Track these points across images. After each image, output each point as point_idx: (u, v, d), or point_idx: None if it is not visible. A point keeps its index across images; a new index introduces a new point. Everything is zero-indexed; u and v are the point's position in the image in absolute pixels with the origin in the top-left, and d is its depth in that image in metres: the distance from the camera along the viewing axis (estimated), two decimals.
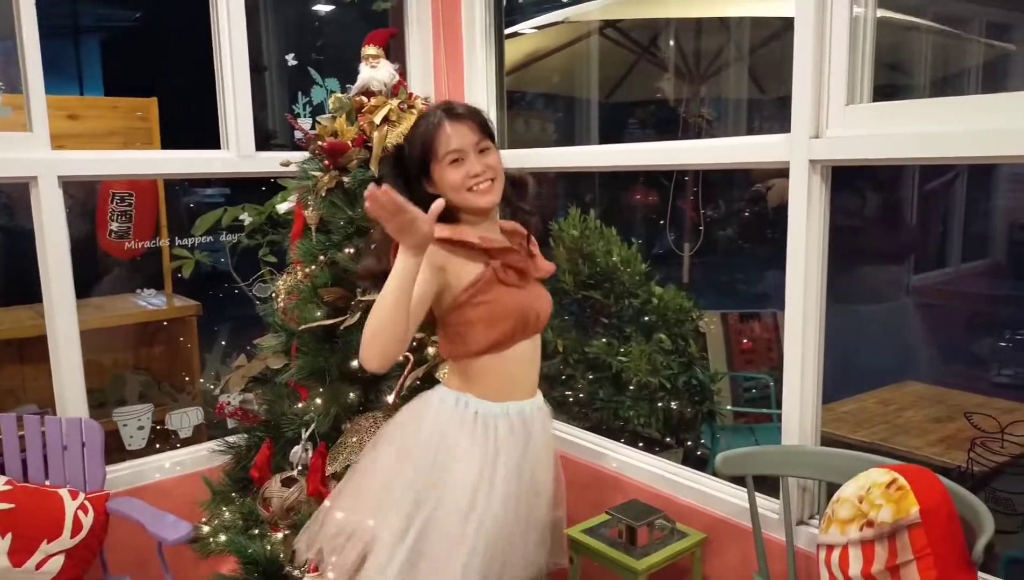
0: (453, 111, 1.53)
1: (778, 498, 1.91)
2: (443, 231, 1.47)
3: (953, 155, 1.57)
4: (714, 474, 2.11)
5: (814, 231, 1.78)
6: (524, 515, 1.59)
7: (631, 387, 2.99)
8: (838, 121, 1.72)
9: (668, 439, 3.05)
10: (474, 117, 1.54)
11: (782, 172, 1.83)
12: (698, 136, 3.71)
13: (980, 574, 1.44)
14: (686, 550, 2.02)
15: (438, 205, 1.35)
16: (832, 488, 1.67)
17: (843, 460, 1.72)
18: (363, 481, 1.61)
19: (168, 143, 3.05)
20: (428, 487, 1.51)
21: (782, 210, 1.85)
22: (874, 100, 1.72)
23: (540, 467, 1.64)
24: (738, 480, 1.99)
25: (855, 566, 1.44)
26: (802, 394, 1.84)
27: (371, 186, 1.24)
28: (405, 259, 1.33)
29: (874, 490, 1.47)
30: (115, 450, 2.54)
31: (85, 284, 2.24)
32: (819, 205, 1.78)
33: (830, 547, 1.52)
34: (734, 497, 2.06)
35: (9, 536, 1.87)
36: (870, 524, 1.43)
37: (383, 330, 1.35)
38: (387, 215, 1.25)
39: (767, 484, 1.93)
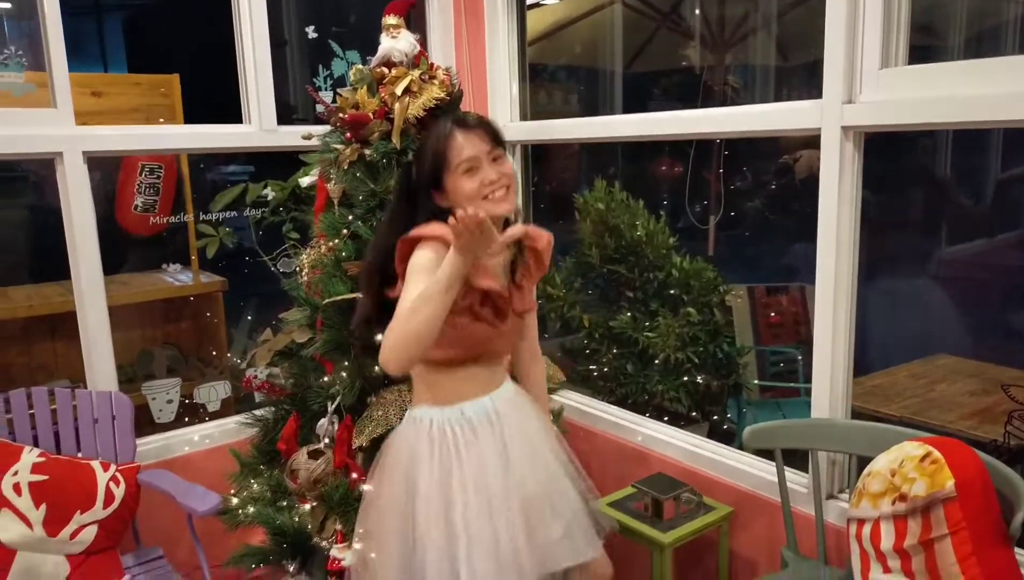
0: (463, 121, 1.50)
1: (807, 472, 1.89)
2: (443, 230, 1.38)
3: (994, 119, 1.51)
4: (741, 448, 2.09)
5: (846, 201, 1.73)
6: (525, 507, 1.51)
7: (656, 362, 2.96)
8: (872, 85, 1.67)
9: (694, 413, 3.03)
10: (485, 126, 1.51)
11: (810, 142, 1.78)
12: (724, 103, 3.63)
13: (1017, 548, 1.41)
14: (713, 524, 2.01)
15: (517, 231, 1.37)
16: (863, 462, 1.64)
17: (875, 433, 1.69)
18: (365, 516, 1.61)
19: (191, 119, 3.06)
20: (408, 502, 1.50)
21: (810, 182, 1.80)
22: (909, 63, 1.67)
23: (529, 455, 1.56)
24: (766, 454, 1.97)
25: (887, 540, 1.42)
26: (832, 367, 1.81)
27: (468, 213, 1.22)
28: (456, 266, 1.28)
29: (907, 463, 1.44)
30: (145, 423, 2.58)
31: (111, 261, 2.25)
32: (851, 173, 1.73)
33: (861, 521, 1.49)
34: (762, 471, 2.03)
35: (44, 507, 1.91)
36: (903, 498, 1.40)
37: (419, 339, 1.29)
38: (473, 239, 1.24)
39: (795, 458, 1.91)
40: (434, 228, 1.43)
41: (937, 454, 1.41)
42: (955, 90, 1.54)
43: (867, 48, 1.66)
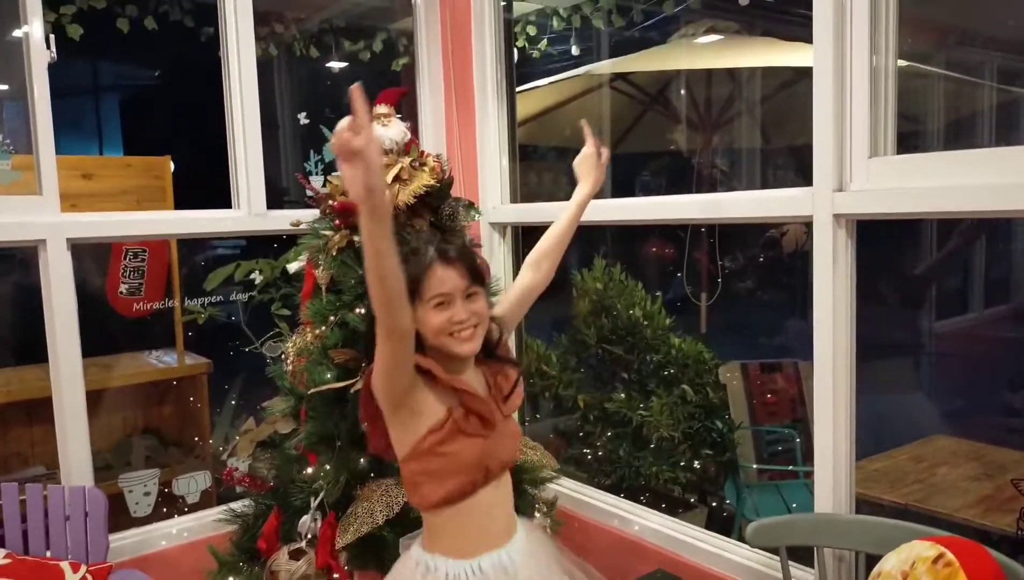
0: (446, 253, 1.45)
1: (812, 567, 1.81)
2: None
3: (982, 209, 1.52)
4: (741, 539, 2.01)
5: (841, 286, 1.72)
6: None
7: (652, 444, 2.90)
8: (862, 174, 1.67)
9: (691, 499, 2.95)
10: (465, 260, 1.46)
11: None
12: (712, 187, 3.68)
13: None
14: None
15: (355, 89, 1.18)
16: (871, 559, 1.57)
17: (883, 530, 1.62)
18: None
19: (181, 201, 3.06)
20: None
21: (797, 255, 1.79)
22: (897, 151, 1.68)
23: None
24: (770, 548, 1.89)
25: None
26: (835, 456, 1.76)
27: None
28: (365, 209, 1.16)
29: (919, 565, 1.37)
30: (119, 512, 2.47)
31: (93, 342, 2.20)
32: (845, 259, 1.72)
33: None
34: (765, 566, 1.95)
35: None
36: None
37: (389, 296, 1.24)
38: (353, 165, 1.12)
39: (800, 551, 1.83)
40: None
41: (950, 556, 1.34)
42: (944, 180, 1.54)
43: (856, 137, 1.67)
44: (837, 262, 1.71)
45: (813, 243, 1.75)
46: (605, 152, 1.82)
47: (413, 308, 1.39)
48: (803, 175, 1.76)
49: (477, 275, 1.47)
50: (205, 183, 2.86)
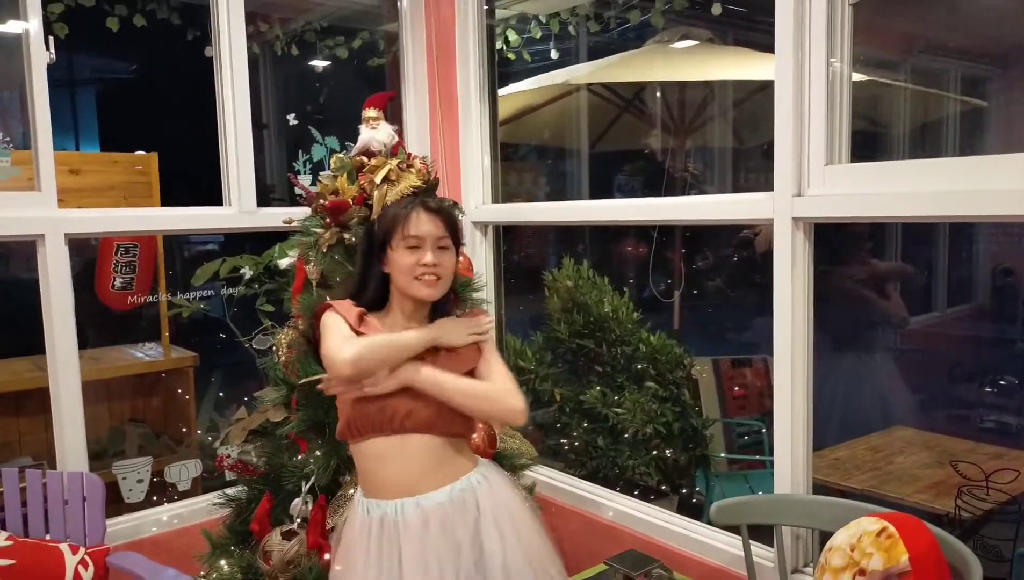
0: (428, 204, 1.62)
1: (772, 546, 1.94)
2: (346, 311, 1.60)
3: (931, 214, 1.65)
4: (709, 523, 2.14)
5: (799, 284, 1.85)
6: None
7: (626, 435, 3.02)
8: (819, 180, 1.81)
9: (663, 487, 3.07)
10: (445, 214, 1.62)
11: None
12: (684, 189, 3.81)
13: None
14: None
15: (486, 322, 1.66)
16: (825, 536, 1.71)
17: (835, 508, 1.76)
18: None
19: (166, 196, 3.12)
20: None
21: (769, 255, 1.91)
22: (852, 152, 1.81)
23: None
24: (733, 528, 2.02)
25: None
26: (792, 443, 1.89)
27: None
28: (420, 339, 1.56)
29: (865, 538, 1.50)
30: (113, 501, 2.54)
31: (81, 336, 2.26)
32: (803, 259, 1.85)
33: None
34: (729, 546, 2.08)
35: None
36: (862, 572, 1.47)
37: (375, 364, 1.52)
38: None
39: (762, 532, 1.96)
40: (339, 305, 1.62)
41: (892, 529, 1.48)
42: (897, 187, 1.68)
43: (813, 146, 1.80)
44: (796, 263, 1.84)
45: (774, 245, 1.88)
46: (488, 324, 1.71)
47: (389, 251, 1.60)
48: (770, 176, 1.88)
49: (454, 230, 1.63)
50: (188, 178, 2.92)
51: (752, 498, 2.03)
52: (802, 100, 1.79)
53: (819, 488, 1.95)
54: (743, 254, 4.05)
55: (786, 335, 1.86)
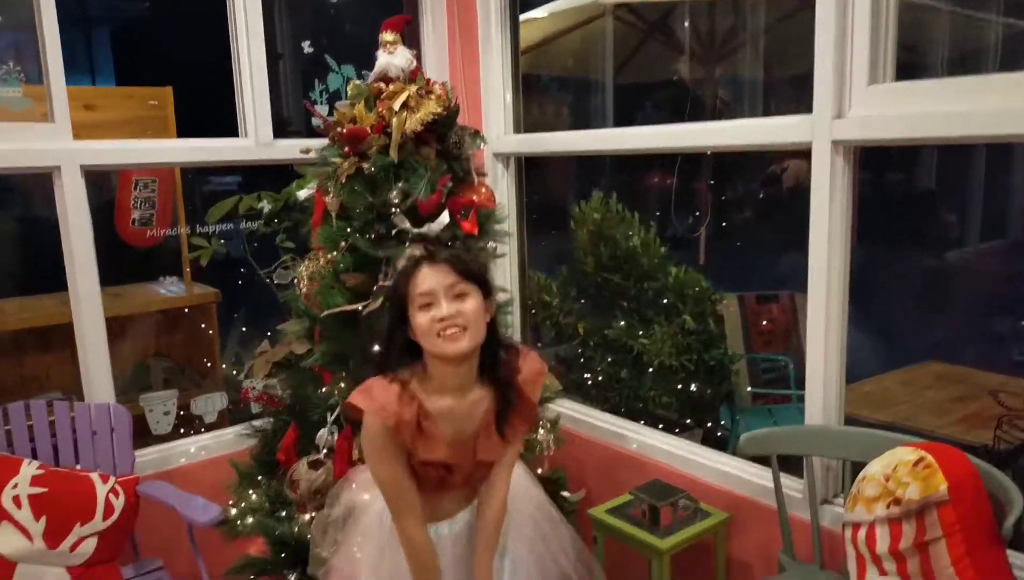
0: (433, 255, 1.48)
1: (802, 477, 1.92)
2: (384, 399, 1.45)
3: (980, 133, 1.56)
4: (735, 453, 2.12)
5: (838, 213, 1.77)
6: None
7: (651, 369, 3.00)
8: (861, 101, 1.71)
9: (687, 421, 3.06)
10: (454, 261, 1.46)
11: (797, 152, 1.81)
12: (713, 117, 3.68)
13: (1009, 550, 1.44)
14: (710, 529, 2.03)
15: None
16: (857, 467, 1.68)
17: (869, 439, 1.72)
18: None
19: (183, 131, 3.07)
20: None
21: (797, 191, 1.83)
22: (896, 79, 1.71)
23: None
24: (761, 460, 2.00)
25: (882, 544, 1.45)
26: (825, 375, 1.84)
27: None
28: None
29: (901, 468, 1.47)
30: (141, 435, 2.58)
31: (104, 272, 2.25)
32: (842, 186, 1.77)
33: (856, 525, 1.53)
34: (757, 477, 2.06)
35: (44, 519, 1.91)
36: (897, 502, 1.44)
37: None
38: None
39: (790, 464, 1.94)
40: (377, 395, 1.46)
41: (930, 458, 1.44)
42: (941, 106, 1.58)
43: (856, 64, 1.70)
44: (835, 189, 1.76)
45: (811, 170, 1.80)
46: None
47: (411, 318, 1.46)
48: (804, 105, 1.79)
49: (469, 274, 1.45)
50: (203, 112, 2.86)
51: (783, 429, 2.01)
52: (845, 12, 1.68)
53: (848, 421, 1.92)
54: (770, 191, 3.96)
55: (822, 266, 1.79)
